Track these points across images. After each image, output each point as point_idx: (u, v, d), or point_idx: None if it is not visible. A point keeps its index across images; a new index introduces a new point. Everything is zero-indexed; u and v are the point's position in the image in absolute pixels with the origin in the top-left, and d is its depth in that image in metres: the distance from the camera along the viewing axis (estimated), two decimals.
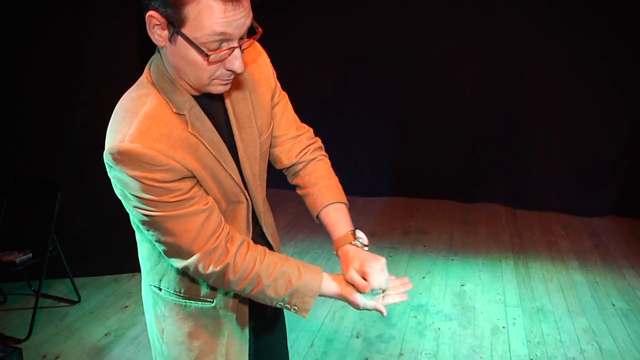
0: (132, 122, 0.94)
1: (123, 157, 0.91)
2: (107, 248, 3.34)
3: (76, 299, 3.15)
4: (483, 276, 3.44)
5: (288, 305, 1.11)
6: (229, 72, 0.97)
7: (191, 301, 1.18)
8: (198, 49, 0.90)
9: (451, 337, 2.80)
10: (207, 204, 1.02)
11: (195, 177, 1.00)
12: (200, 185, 1.02)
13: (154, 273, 1.18)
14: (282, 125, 1.26)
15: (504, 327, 2.88)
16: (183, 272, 1.12)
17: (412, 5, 4.34)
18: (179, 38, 0.90)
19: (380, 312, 1.10)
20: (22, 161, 3.15)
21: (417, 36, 4.39)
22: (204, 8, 0.86)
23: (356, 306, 1.11)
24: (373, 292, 1.11)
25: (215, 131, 1.04)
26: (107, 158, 0.94)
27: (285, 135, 1.27)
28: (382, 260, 1.13)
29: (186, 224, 0.99)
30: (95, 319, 3.00)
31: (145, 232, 1.03)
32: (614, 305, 3.10)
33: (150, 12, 0.89)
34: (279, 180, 1.46)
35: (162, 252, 1.05)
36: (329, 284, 1.13)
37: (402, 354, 2.66)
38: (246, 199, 1.13)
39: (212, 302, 1.18)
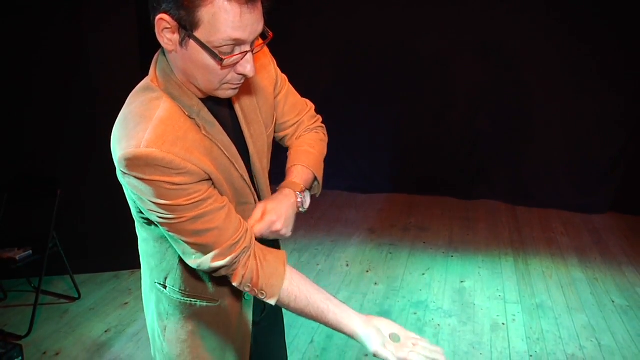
0: (147, 126, 0.92)
1: (140, 163, 0.90)
2: (107, 245, 3.34)
3: (76, 296, 3.16)
4: (483, 273, 3.45)
5: (255, 289, 1.07)
6: (240, 77, 0.96)
7: (196, 300, 1.17)
8: (211, 53, 0.89)
9: (451, 334, 2.80)
10: (223, 201, 1.01)
11: (211, 179, 1.00)
12: (215, 187, 1.02)
13: (159, 270, 1.17)
14: (286, 112, 1.27)
15: (503, 324, 2.89)
16: (189, 271, 1.12)
17: (412, 3, 4.33)
18: (191, 42, 0.89)
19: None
20: (22, 158, 3.15)
21: (416, 33, 4.38)
22: (219, 11, 0.85)
23: (370, 348, 1.03)
24: (394, 339, 1.04)
25: (225, 133, 1.04)
26: (121, 164, 0.92)
27: (289, 121, 1.29)
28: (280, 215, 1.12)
29: (207, 223, 0.98)
30: (95, 315, 3.00)
31: (167, 234, 1.02)
32: (613, 301, 3.10)
33: (161, 15, 0.87)
34: (279, 179, 1.46)
35: (182, 252, 1.04)
36: (346, 313, 1.06)
37: None
38: (254, 200, 1.13)
39: (217, 302, 1.18)
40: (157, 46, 0.99)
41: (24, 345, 2.66)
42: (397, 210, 4.55)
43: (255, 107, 1.13)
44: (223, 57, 0.89)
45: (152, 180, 0.91)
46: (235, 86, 0.98)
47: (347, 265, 3.55)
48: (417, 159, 4.70)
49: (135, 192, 0.96)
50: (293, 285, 1.06)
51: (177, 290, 1.17)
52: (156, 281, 1.20)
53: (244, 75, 0.96)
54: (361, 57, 4.52)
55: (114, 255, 3.37)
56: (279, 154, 1.34)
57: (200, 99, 1.01)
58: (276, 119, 1.25)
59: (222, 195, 1.03)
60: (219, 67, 0.91)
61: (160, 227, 1.01)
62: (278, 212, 1.10)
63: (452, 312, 3.01)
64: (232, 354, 1.24)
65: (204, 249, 1.00)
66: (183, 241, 1.00)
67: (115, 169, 0.97)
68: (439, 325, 2.88)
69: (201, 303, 1.18)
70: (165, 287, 1.18)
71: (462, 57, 4.38)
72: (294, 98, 1.29)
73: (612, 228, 4.17)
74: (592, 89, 4.19)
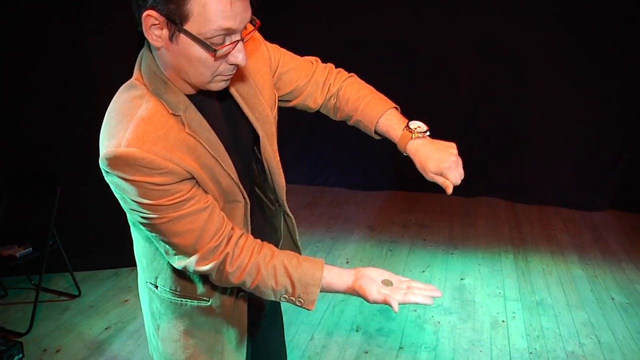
0: (128, 125, 0.91)
1: (120, 162, 0.89)
2: (107, 242, 3.34)
3: (76, 293, 3.16)
4: (483, 270, 3.45)
5: (293, 298, 1.07)
6: (232, 67, 0.95)
7: (187, 300, 1.16)
8: (204, 44, 0.88)
9: (451, 331, 2.80)
10: (207, 202, 1.00)
11: (194, 178, 0.98)
12: (199, 186, 1.01)
13: (150, 270, 1.17)
14: (293, 80, 1.24)
15: (503, 321, 2.89)
16: (179, 271, 1.11)
17: (412, 3, 4.31)
18: (182, 36, 0.88)
19: (392, 306, 1.03)
20: (22, 155, 3.15)
21: (416, 30, 4.36)
22: (209, 1, 0.84)
23: (366, 298, 1.06)
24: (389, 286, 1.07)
25: (212, 130, 1.02)
26: (103, 164, 0.91)
27: (299, 85, 1.25)
28: (453, 152, 1.14)
29: (189, 224, 0.97)
30: (95, 313, 3.00)
31: (149, 234, 1.02)
32: (613, 299, 3.11)
33: (148, 12, 0.86)
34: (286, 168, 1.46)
35: (164, 252, 1.04)
36: (334, 273, 1.07)
37: (401, 348, 2.67)
38: (244, 197, 1.11)
39: (208, 301, 1.17)
40: None
41: (25, 342, 2.67)
42: (397, 207, 4.55)
43: (255, 91, 1.11)
44: (216, 48, 0.88)
45: (134, 180, 0.91)
46: (227, 77, 0.97)
47: (347, 262, 3.55)
48: None
49: (118, 192, 0.96)
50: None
51: (168, 290, 1.16)
52: (148, 281, 1.20)
53: (236, 65, 0.95)
54: (361, 56, 4.50)
55: (114, 253, 3.36)
56: (285, 144, 1.33)
57: (189, 95, 1.00)
58: (287, 92, 1.23)
59: (207, 193, 1.02)
60: (212, 58, 0.90)
61: (143, 228, 1.01)
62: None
63: (452, 309, 3.01)
64: (227, 354, 1.23)
65: (185, 250, 1.00)
66: (165, 242, 1.00)
67: None
68: (438, 322, 2.88)
69: (192, 303, 1.17)
70: (156, 286, 1.18)
71: (462, 55, 4.37)
72: (295, 63, 1.26)
73: (612, 225, 4.16)
74: (592, 86, 4.18)
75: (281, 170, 1.21)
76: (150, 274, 1.18)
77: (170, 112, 0.96)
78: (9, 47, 2.98)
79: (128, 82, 1.01)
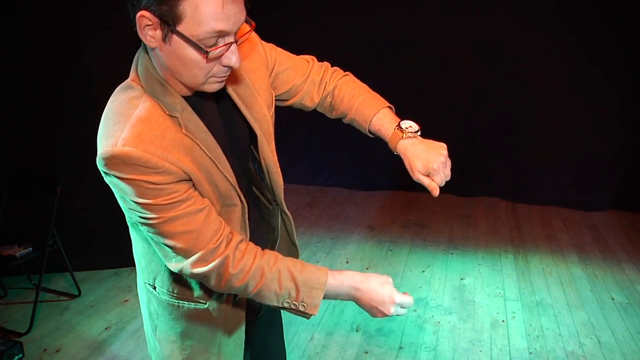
0: (125, 125, 0.91)
1: (117, 162, 0.90)
2: (107, 242, 3.34)
3: (76, 293, 3.16)
4: (483, 270, 3.45)
5: (296, 302, 1.06)
6: (226, 69, 0.95)
7: (184, 302, 1.16)
8: (196, 46, 0.88)
9: (451, 331, 2.80)
10: (203, 203, 1.00)
11: (191, 179, 0.98)
12: (196, 188, 1.00)
13: (148, 271, 1.17)
14: (290, 79, 1.25)
15: (503, 321, 2.89)
16: (177, 273, 1.10)
17: (412, 3, 4.32)
18: (174, 37, 0.87)
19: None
20: (22, 155, 3.15)
21: (416, 31, 4.36)
22: (201, 3, 0.84)
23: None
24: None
25: (209, 132, 1.02)
26: (100, 164, 0.92)
27: (295, 84, 1.26)
28: (443, 153, 1.12)
29: (185, 225, 0.97)
30: (95, 312, 3.00)
31: (148, 236, 1.02)
32: (613, 299, 3.11)
33: (141, 12, 0.86)
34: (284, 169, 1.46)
35: (163, 256, 1.04)
36: (338, 279, 1.08)
37: (401, 348, 2.67)
38: (241, 201, 1.11)
39: (205, 304, 1.16)
40: None
41: (25, 342, 2.67)
42: (397, 207, 4.55)
43: (252, 91, 1.11)
44: (208, 50, 0.88)
45: (131, 179, 0.91)
46: (222, 79, 0.97)
47: (347, 262, 3.55)
48: None
49: (117, 191, 0.96)
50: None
51: (166, 291, 1.16)
52: (146, 281, 1.20)
53: (230, 67, 0.95)
54: (361, 56, 4.50)
55: (114, 253, 3.36)
56: (285, 144, 1.33)
57: (185, 96, 1.00)
58: (283, 91, 1.24)
59: (203, 197, 1.02)
60: (205, 60, 0.90)
61: (141, 228, 1.01)
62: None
63: (452, 309, 3.01)
64: (224, 355, 1.23)
65: (183, 252, 1.00)
66: (163, 243, 1.00)
67: None
68: (438, 322, 2.88)
69: (189, 305, 1.17)
70: (154, 287, 1.18)
71: (461, 55, 4.37)
72: (292, 62, 1.26)
73: (612, 225, 4.16)
74: (592, 86, 4.18)
75: (279, 169, 1.21)
76: (148, 275, 1.18)
77: (167, 113, 0.96)
78: (9, 47, 2.98)
79: (124, 83, 1.01)
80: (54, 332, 2.83)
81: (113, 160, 0.90)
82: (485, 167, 4.62)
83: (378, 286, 1.09)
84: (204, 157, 1.00)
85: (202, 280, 1.05)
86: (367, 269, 3.45)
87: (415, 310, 2.99)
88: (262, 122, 1.13)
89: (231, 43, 0.91)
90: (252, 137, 1.15)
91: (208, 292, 1.15)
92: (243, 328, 1.23)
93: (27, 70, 3.05)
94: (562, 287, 3.24)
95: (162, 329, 1.21)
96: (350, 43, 4.50)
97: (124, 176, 0.91)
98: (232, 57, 0.92)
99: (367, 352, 2.63)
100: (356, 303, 1.11)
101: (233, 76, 1.06)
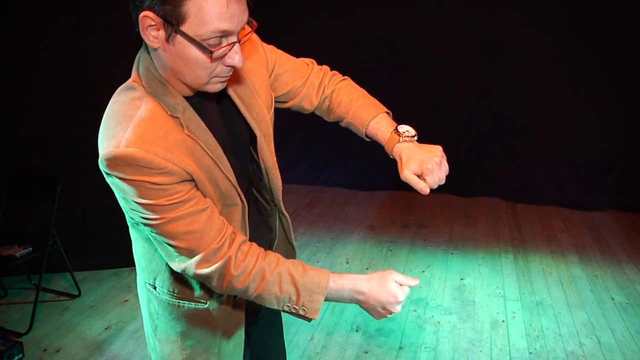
0: (128, 126, 0.91)
1: (120, 162, 0.89)
2: (107, 242, 3.34)
3: (76, 293, 3.16)
4: (483, 270, 3.45)
5: (296, 307, 1.05)
6: (228, 69, 0.95)
7: (184, 301, 1.16)
8: (200, 46, 0.88)
9: (451, 331, 2.80)
10: (206, 204, 1.00)
11: (193, 180, 0.98)
12: (198, 188, 1.00)
13: (148, 271, 1.17)
14: (289, 81, 1.25)
15: (503, 321, 2.89)
16: (178, 273, 1.09)
17: (412, 2, 4.32)
18: (178, 37, 0.88)
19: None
20: (22, 155, 3.15)
21: (416, 31, 4.36)
22: (205, 3, 0.84)
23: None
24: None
25: (210, 132, 1.02)
26: (102, 165, 0.91)
27: (295, 86, 1.26)
28: (438, 154, 1.13)
29: (188, 225, 0.97)
30: (95, 312, 3.00)
31: (151, 237, 1.02)
32: (613, 299, 3.11)
33: (145, 13, 0.86)
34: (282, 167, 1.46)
35: (166, 256, 1.03)
36: (340, 283, 1.07)
37: (401, 348, 2.67)
38: (241, 200, 1.11)
39: (206, 304, 1.16)
40: None
41: (25, 342, 2.67)
42: (397, 207, 4.55)
43: (252, 92, 1.11)
44: (212, 50, 0.88)
45: (134, 180, 0.91)
46: (224, 79, 0.97)
47: (347, 262, 3.55)
48: None
49: (118, 192, 0.96)
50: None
51: (166, 291, 1.16)
52: (146, 281, 1.20)
53: (233, 67, 0.95)
54: (361, 56, 4.51)
55: (114, 253, 3.36)
56: (285, 144, 1.33)
57: (187, 97, 1.00)
58: (283, 92, 1.24)
59: (205, 197, 1.01)
60: (209, 60, 0.90)
61: (143, 228, 1.01)
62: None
63: (452, 309, 3.01)
64: (224, 355, 1.23)
65: (186, 253, 1.00)
66: (166, 243, 0.99)
67: None
68: (438, 322, 2.88)
69: (189, 305, 1.16)
70: (155, 287, 1.18)
71: (461, 54, 4.37)
72: (292, 64, 1.26)
73: (612, 225, 4.16)
74: (592, 86, 4.18)
75: (278, 170, 1.21)
76: (149, 274, 1.18)
77: (169, 113, 0.96)
78: (9, 47, 2.98)
79: (125, 83, 1.00)
80: (54, 332, 2.83)
81: (116, 161, 0.89)
82: (485, 167, 4.62)
83: (380, 287, 1.09)
84: (206, 157, 1.00)
85: (205, 281, 1.05)
86: (367, 269, 3.45)
87: (415, 310, 2.99)
88: (262, 123, 1.13)
89: (234, 43, 0.91)
90: (252, 137, 1.15)
91: (208, 292, 1.15)
92: (243, 328, 1.23)
93: (27, 70, 3.05)
94: (562, 287, 3.24)
95: (162, 329, 1.21)
96: (351, 43, 4.50)
97: (127, 177, 0.90)
98: (235, 57, 0.93)
99: (367, 352, 2.63)
100: (361, 307, 1.11)
101: (234, 76, 1.06)
